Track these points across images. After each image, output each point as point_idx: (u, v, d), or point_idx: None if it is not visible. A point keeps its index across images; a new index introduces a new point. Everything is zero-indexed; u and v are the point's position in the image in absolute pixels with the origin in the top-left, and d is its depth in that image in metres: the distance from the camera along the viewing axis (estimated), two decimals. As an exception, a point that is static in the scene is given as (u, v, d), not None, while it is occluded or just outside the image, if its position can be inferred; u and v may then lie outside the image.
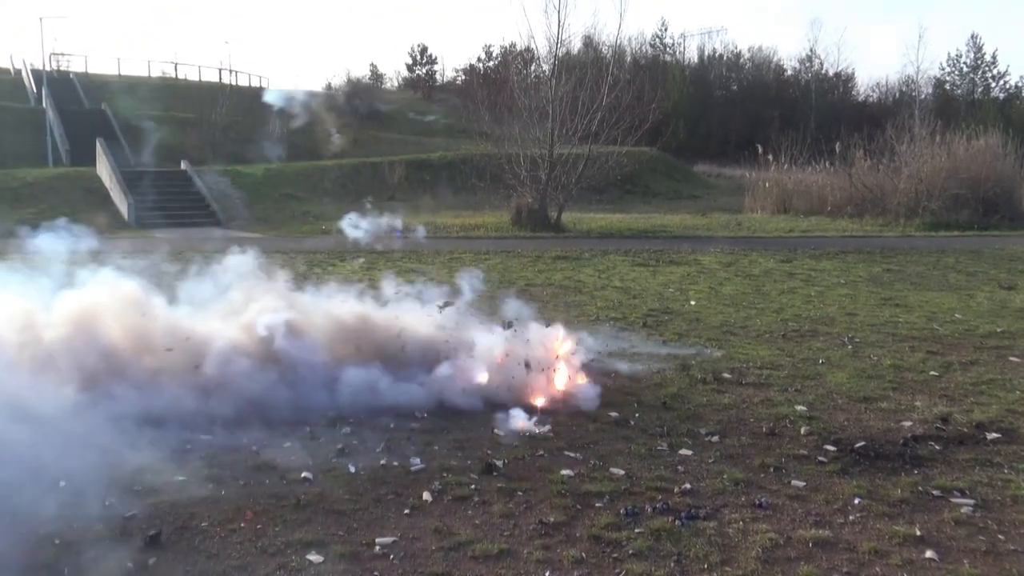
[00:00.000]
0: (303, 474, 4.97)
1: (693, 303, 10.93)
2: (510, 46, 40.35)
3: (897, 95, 55.58)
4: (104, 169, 24.55)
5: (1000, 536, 4.32)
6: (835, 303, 11.02)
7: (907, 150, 24.84)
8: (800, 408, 6.40)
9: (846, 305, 10.87)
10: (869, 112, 49.48)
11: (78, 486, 4.66)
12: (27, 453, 4.93)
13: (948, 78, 58.27)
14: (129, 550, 4.01)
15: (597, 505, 4.61)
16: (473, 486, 4.85)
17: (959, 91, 57.63)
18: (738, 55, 60.26)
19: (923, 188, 24.12)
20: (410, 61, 59.13)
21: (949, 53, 70.41)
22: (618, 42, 30.66)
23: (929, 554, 4.10)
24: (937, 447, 5.62)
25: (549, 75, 22.84)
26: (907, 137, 25.40)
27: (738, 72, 60.09)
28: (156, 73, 46.33)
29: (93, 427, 5.38)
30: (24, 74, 39.45)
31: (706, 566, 3.95)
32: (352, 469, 5.08)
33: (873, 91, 60.98)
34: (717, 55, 60.16)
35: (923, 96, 52.58)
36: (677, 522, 4.38)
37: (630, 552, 4.07)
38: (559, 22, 21.89)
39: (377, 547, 4.09)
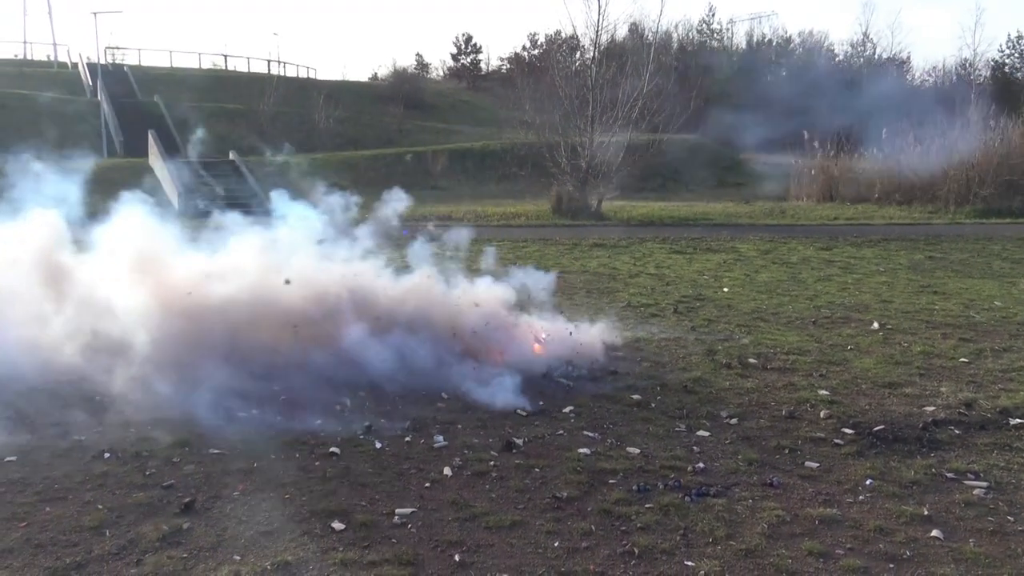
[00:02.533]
0: (331, 449, 5.20)
1: (726, 290, 10.95)
2: (555, 34, 40.38)
3: (954, 79, 54.11)
4: (156, 159, 25.26)
5: (1009, 517, 4.37)
6: (871, 290, 10.94)
7: (959, 135, 24.28)
8: (822, 393, 6.45)
9: (882, 292, 10.80)
10: (924, 97, 48.28)
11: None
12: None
13: (1008, 60, 56.55)
14: (166, 515, 4.28)
15: (610, 482, 4.76)
16: (492, 462, 5.03)
17: (1020, 74, 55.84)
18: (788, 40, 59.35)
19: (975, 174, 23.58)
20: (455, 50, 59.44)
21: (1009, 35, 68.37)
22: (658, 28, 30.48)
23: (935, 533, 4.17)
24: (957, 432, 5.64)
25: (590, 63, 22.85)
26: (959, 122, 24.81)
27: (788, 57, 59.10)
28: (207, 65, 47.33)
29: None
30: (80, 68, 40.61)
31: (711, 540, 4.08)
32: (378, 445, 5.30)
33: (929, 75, 59.51)
34: (766, 40, 59.30)
35: (980, 80, 51.17)
36: (687, 499, 4.52)
37: (638, 526, 4.22)
38: (599, 9, 21.86)
39: (396, 517, 4.30)
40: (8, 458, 4.96)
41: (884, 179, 25.84)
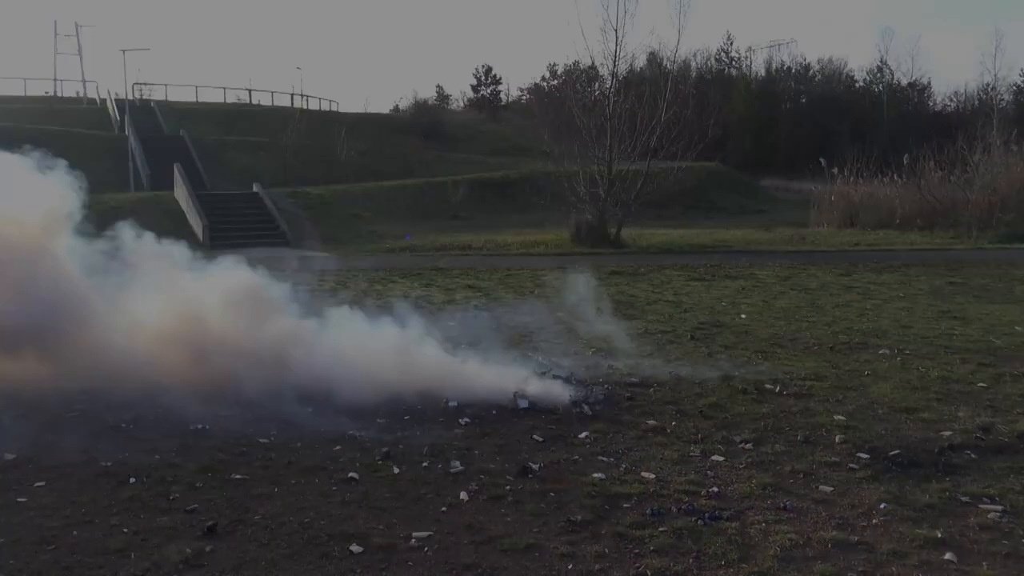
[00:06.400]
0: (350, 474, 5.30)
1: (744, 316, 10.98)
2: (573, 64, 40.78)
3: (976, 104, 53.89)
4: (181, 192, 25.73)
5: (1024, 541, 4.37)
6: (890, 316, 10.93)
7: (981, 160, 24.20)
8: (839, 418, 6.47)
9: (901, 318, 10.78)
10: (946, 122, 48.09)
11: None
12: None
13: (1029, 85, 56.27)
14: (189, 538, 4.38)
15: (625, 506, 4.82)
16: (508, 487, 5.10)
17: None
18: (807, 67, 59.44)
19: (997, 199, 23.46)
20: (475, 82, 60.12)
21: (1030, 59, 67.98)
22: (675, 57, 30.59)
23: (948, 556, 4.19)
24: (973, 456, 5.64)
25: (608, 92, 23.09)
26: (980, 147, 24.74)
27: (807, 84, 59.21)
28: (231, 99, 48.28)
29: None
30: (109, 103, 41.57)
31: (724, 563, 4.12)
32: (396, 470, 5.39)
33: (951, 100, 59.32)
34: (785, 68, 59.40)
35: (1003, 104, 50.96)
36: (700, 522, 4.56)
37: (651, 548, 4.27)
38: (617, 40, 22.14)
39: (413, 540, 4.38)
40: (37, 483, 5.11)
41: (905, 204, 25.76)
